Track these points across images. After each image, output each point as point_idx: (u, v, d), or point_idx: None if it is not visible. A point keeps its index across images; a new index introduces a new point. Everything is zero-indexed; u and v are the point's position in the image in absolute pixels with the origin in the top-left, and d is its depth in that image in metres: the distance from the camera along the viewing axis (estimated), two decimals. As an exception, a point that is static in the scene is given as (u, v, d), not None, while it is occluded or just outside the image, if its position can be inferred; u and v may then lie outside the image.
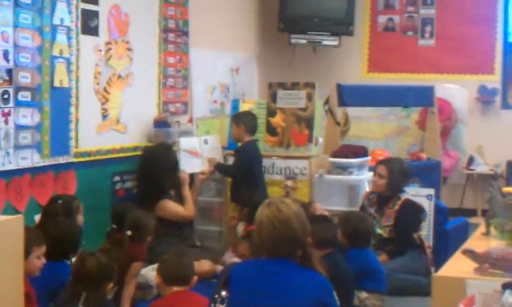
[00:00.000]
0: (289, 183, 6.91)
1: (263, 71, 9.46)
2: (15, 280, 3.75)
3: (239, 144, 6.86)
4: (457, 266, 3.77)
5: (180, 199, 6.51)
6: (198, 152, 6.92)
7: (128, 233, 5.23)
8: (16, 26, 5.19)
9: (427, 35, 9.68)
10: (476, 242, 4.40)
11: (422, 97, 8.41)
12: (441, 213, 6.75)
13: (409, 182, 6.63)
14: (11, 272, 3.71)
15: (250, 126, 6.76)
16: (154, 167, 6.36)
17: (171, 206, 6.39)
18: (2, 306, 3.62)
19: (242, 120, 6.77)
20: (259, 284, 3.41)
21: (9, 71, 5.14)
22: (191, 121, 7.52)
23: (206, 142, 7.05)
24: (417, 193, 6.59)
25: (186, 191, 6.52)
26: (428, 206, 6.54)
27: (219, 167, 6.91)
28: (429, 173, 7.86)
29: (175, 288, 4.22)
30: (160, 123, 6.90)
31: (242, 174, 6.64)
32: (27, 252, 4.03)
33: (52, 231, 4.75)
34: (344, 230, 5.39)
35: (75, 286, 4.14)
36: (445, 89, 9.12)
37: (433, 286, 3.67)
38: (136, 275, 5.36)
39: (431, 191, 6.65)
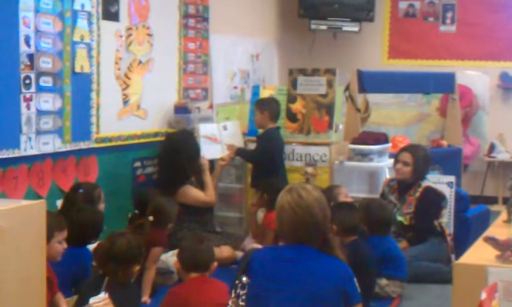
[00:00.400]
0: (309, 169, 6.90)
1: (283, 57, 9.44)
2: (37, 264, 3.77)
3: (260, 130, 6.85)
4: (478, 253, 3.76)
5: (201, 185, 6.52)
6: (217, 138, 6.93)
7: (150, 218, 5.25)
8: (37, 11, 5.20)
9: (448, 21, 9.62)
10: (497, 229, 4.39)
11: (443, 84, 8.36)
12: (462, 200, 6.71)
13: (430, 169, 6.59)
14: (34, 257, 3.74)
15: (274, 113, 6.75)
16: (177, 154, 6.37)
17: (192, 192, 6.40)
18: (25, 290, 3.65)
19: (266, 106, 6.76)
20: (280, 270, 3.41)
21: (31, 57, 5.15)
22: (211, 107, 7.52)
23: (225, 128, 7.06)
24: (438, 180, 6.56)
25: (207, 177, 6.53)
26: (449, 193, 6.51)
27: (240, 152, 6.92)
28: (450, 160, 7.82)
29: (194, 274, 4.23)
30: (180, 109, 6.91)
31: (264, 160, 6.65)
32: (49, 237, 4.05)
33: (74, 217, 4.78)
34: (365, 217, 5.38)
35: (105, 266, 4.16)
36: (466, 75, 9.07)
37: (455, 273, 3.66)
38: (157, 261, 5.38)
39: (452, 178, 6.62)
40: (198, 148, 6.56)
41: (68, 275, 4.52)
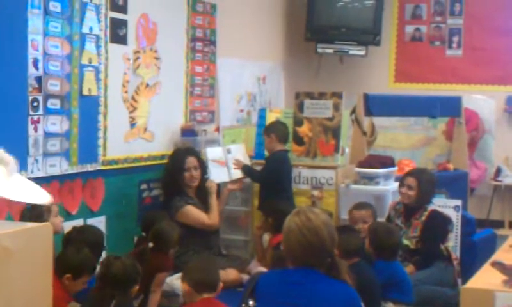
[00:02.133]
0: (315, 193, 6.90)
1: (289, 80, 9.46)
2: (43, 286, 3.76)
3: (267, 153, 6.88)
4: (485, 278, 3.75)
5: (206, 208, 6.51)
6: (224, 162, 6.93)
7: (150, 244, 5.24)
8: (46, 34, 5.23)
9: (454, 45, 9.65)
10: (504, 254, 4.38)
11: (449, 107, 8.37)
12: (468, 224, 6.70)
13: (436, 193, 6.59)
14: (40, 279, 3.73)
15: (281, 135, 6.77)
16: (164, 170, 6.47)
17: (194, 213, 6.40)
18: (31, 312, 3.64)
19: (272, 130, 6.78)
20: (286, 294, 3.41)
21: (39, 79, 5.18)
22: (217, 129, 7.54)
23: (229, 151, 7.06)
24: (444, 204, 6.55)
25: (212, 200, 6.53)
26: (455, 217, 6.50)
27: (246, 170, 6.92)
28: (456, 184, 7.81)
29: (205, 295, 4.22)
30: (187, 132, 6.93)
31: (270, 182, 6.65)
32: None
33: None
34: (372, 242, 5.36)
35: (102, 289, 4.17)
36: (472, 99, 9.08)
37: (462, 298, 3.66)
38: (161, 285, 5.36)
39: (458, 202, 6.60)
40: (179, 163, 6.48)
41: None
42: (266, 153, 6.92)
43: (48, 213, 5.00)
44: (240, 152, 7.19)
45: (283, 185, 6.70)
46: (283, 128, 6.83)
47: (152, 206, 6.50)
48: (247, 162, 7.14)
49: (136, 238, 5.93)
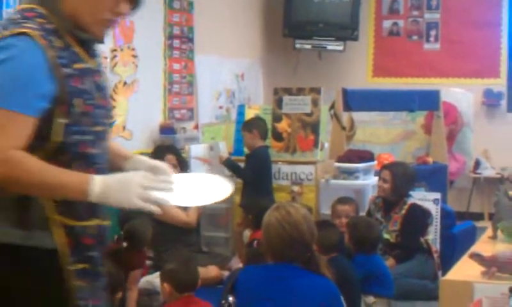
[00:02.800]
0: (295, 188, 6.91)
1: (268, 76, 9.47)
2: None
3: (246, 150, 6.87)
4: (464, 270, 3.77)
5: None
6: (208, 159, 6.92)
7: (124, 244, 5.23)
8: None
9: (432, 39, 9.69)
10: (483, 245, 4.40)
11: (428, 101, 8.40)
12: (448, 217, 6.73)
13: (416, 186, 6.61)
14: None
15: (262, 131, 6.76)
16: None
17: (171, 211, 6.38)
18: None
19: (255, 126, 6.76)
20: (266, 289, 3.41)
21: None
22: (196, 127, 7.53)
23: (211, 148, 7.05)
24: (424, 197, 6.58)
25: None
26: (435, 210, 6.53)
27: (229, 164, 6.88)
28: (436, 177, 7.85)
29: (186, 294, 4.22)
30: (166, 130, 6.92)
31: (252, 179, 6.64)
32: None
33: None
34: (351, 236, 5.37)
35: None
36: (450, 93, 9.11)
37: (441, 290, 3.68)
38: (136, 282, 5.34)
39: (438, 195, 6.63)
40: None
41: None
42: (246, 149, 6.90)
43: None
44: (222, 149, 7.18)
45: (264, 181, 6.70)
46: (263, 124, 6.83)
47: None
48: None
49: (115, 237, 5.90)
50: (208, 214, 7.21)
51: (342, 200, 6.16)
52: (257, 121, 6.86)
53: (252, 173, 6.69)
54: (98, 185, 2.29)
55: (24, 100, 2.24)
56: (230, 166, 6.92)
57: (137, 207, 2.37)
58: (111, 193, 2.32)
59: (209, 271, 6.08)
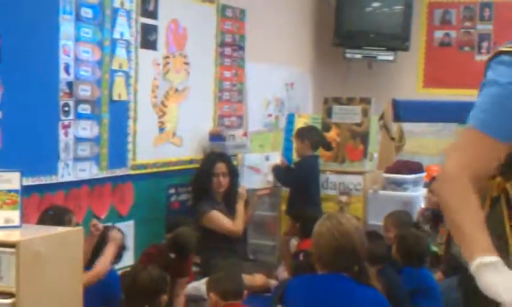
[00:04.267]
0: (343, 198, 6.90)
1: (317, 85, 9.46)
2: (74, 290, 3.81)
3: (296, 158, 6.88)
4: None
5: (233, 214, 6.53)
6: (259, 168, 6.94)
7: (172, 255, 5.26)
8: (77, 40, 5.28)
9: (483, 51, 9.59)
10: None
11: (478, 113, 8.30)
12: (497, 231, 6.65)
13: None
14: (71, 282, 3.78)
15: (314, 142, 6.77)
16: (196, 171, 6.57)
17: (218, 218, 6.41)
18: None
19: (307, 136, 6.76)
20: (315, 300, 3.42)
21: (70, 84, 5.23)
22: (245, 134, 7.55)
23: (267, 158, 7.07)
24: (473, 210, 6.51)
25: (240, 206, 6.54)
26: (484, 223, 6.45)
27: (276, 171, 6.93)
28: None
29: (231, 302, 4.25)
30: (215, 137, 6.95)
31: (298, 187, 6.64)
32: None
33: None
34: (399, 248, 5.34)
35: (130, 301, 4.19)
36: (501, 105, 9.01)
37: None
38: (183, 288, 5.39)
39: (487, 209, 6.56)
40: (208, 168, 6.52)
41: (96, 296, 4.52)
42: (297, 156, 6.90)
43: (69, 224, 5.02)
44: (276, 160, 7.20)
45: (310, 190, 6.70)
46: (316, 135, 6.82)
47: (179, 210, 6.52)
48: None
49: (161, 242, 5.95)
50: (255, 222, 7.23)
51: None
52: (310, 132, 6.84)
53: (297, 181, 6.68)
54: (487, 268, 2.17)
55: (497, 124, 2.20)
56: (276, 173, 6.94)
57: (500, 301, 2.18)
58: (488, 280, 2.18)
59: (255, 279, 6.10)
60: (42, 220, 4.65)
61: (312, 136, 6.77)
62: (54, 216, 4.68)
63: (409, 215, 6.10)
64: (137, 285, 4.18)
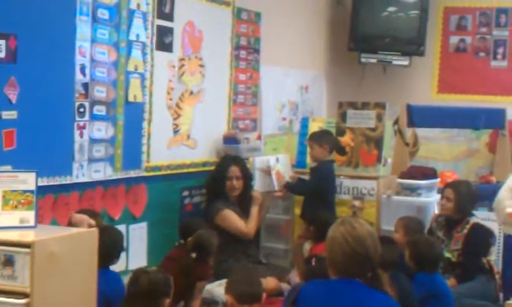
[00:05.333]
0: (356, 203, 6.89)
1: (332, 89, 9.45)
2: (88, 291, 3.83)
3: (311, 163, 6.86)
4: (530, 294, 3.72)
5: (246, 217, 6.53)
6: (271, 171, 6.94)
7: (193, 255, 5.27)
8: (93, 41, 5.30)
9: (499, 57, 9.55)
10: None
11: (493, 119, 8.30)
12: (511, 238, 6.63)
13: (479, 206, 6.54)
14: (85, 283, 3.79)
15: (332, 147, 6.76)
16: (210, 173, 6.59)
17: (232, 218, 6.42)
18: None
19: (326, 141, 6.72)
20: (328, 305, 3.42)
21: (86, 85, 5.25)
22: (259, 137, 7.55)
23: (277, 160, 7.07)
24: (487, 217, 6.51)
25: (254, 209, 6.54)
26: (498, 230, 6.45)
27: (289, 187, 6.92)
28: (499, 197, 7.73)
29: (247, 306, 4.25)
30: (229, 139, 6.96)
31: (314, 192, 6.63)
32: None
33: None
34: (412, 254, 5.33)
35: (131, 304, 4.19)
36: (516, 111, 8.99)
37: (505, 314, 3.63)
38: (201, 292, 5.41)
39: (501, 215, 6.55)
40: (222, 170, 6.54)
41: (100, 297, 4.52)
42: (310, 161, 6.88)
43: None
44: (286, 162, 7.19)
45: (327, 195, 6.69)
46: (333, 140, 6.81)
47: (193, 213, 6.53)
48: (289, 171, 7.13)
49: (176, 244, 5.95)
50: (268, 225, 7.24)
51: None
52: (328, 136, 6.82)
53: (315, 186, 6.67)
54: None
55: None
56: (290, 189, 6.93)
57: None
58: None
59: (268, 282, 6.08)
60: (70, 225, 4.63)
61: (330, 140, 6.76)
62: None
63: (421, 224, 6.08)
64: (137, 287, 4.18)
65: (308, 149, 6.87)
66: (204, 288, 5.50)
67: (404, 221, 5.99)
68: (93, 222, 4.52)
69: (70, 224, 4.51)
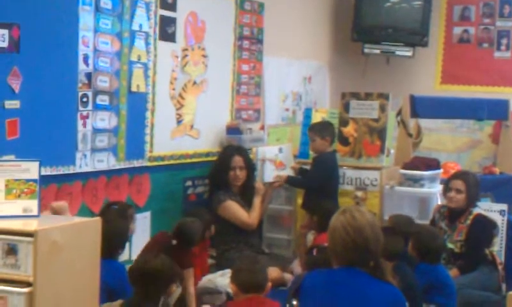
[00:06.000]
0: (359, 193, 6.89)
1: (335, 80, 9.45)
2: (91, 279, 3.83)
3: (312, 153, 6.86)
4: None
5: (249, 207, 6.54)
6: (274, 161, 6.94)
7: (174, 242, 5.28)
8: (96, 31, 5.30)
9: (503, 47, 9.53)
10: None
11: (496, 110, 8.28)
12: (513, 228, 6.65)
13: (481, 196, 6.54)
14: (88, 272, 3.80)
15: (333, 138, 6.75)
16: (213, 163, 6.62)
17: (234, 208, 6.43)
18: (79, 305, 3.70)
19: (327, 133, 6.70)
20: (331, 295, 3.42)
21: (89, 75, 5.25)
22: (262, 128, 7.56)
23: (281, 150, 7.07)
24: (490, 208, 6.50)
25: (257, 200, 6.55)
26: (501, 221, 6.45)
27: (291, 181, 6.93)
28: (502, 188, 7.72)
29: (251, 295, 4.25)
30: (232, 130, 6.96)
31: (317, 183, 6.62)
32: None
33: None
34: (415, 245, 5.34)
35: (141, 287, 4.20)
36: (520, 102, 8.98)
37: (508, 304, 3.64)
38: (190, 279, 5.38)
39: (504, 206, 6.55)
40: (225, 161, 6.55)
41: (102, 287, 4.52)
42: (314, 152, 6.87)
43: (131, 220, 5.11)
44: (289, 152, 7.19)
45: (330, 186, 6.68)
46: (334, 131, 6.80)
47: (196, 203, 6.54)
48: (291, 161, 7.13)
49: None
50: (270, 215, 7.24)
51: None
52: (329, 128, 6.79)
53: (318, 176, 6.67)
54: None
55: None
56: (292, 184, 6.93)
57: None
58: None
59: (270, 272, 6.03)
60: (104, 214, 4.73)
61: (332, 132, 6.74)
62: (119, 211, 4.88)
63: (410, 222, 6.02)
64: (148, 271, 4.19)
65: (309, 141, 6.86)
66: (192, 277, 5.44)
67: (394, 219, 5.96)
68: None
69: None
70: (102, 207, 5.21)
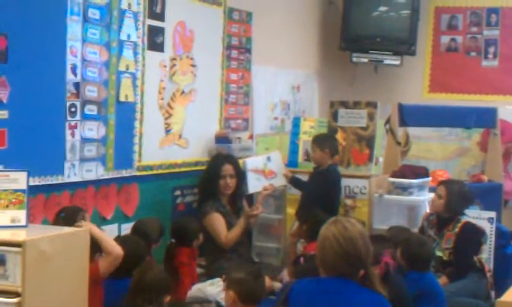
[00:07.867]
0: (348, 202, 6.90)
1: (324, 89, 9.47)
2: (80, 289, 3.83)
3: (313, 164, 6.83)
4: (520, 292, 3.74)
5: (238, 216, 6.52)
6: (263, 170, 6.94)
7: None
8: (84, 41, 5.30)
9: (490, 56, 9.58)
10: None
11: (485, 118, 8.31)
12: (502, 236, 6.67)
13: (469, 204, 6.55)
14: (77, 282, 3.80)
15: (334, 150, 6.71)
16: (203, 172, 6.59)
17: (216, 224, 6.36)
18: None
19: (328, 145, 6.67)
20: (321, 304, 3.42)
21: (77, 85, 5.25)
22: (251, 137, 7.56)
23: (269, 159, 7.07)
24: (478, 216, 6.52)
25: (241, 221, 6.44)
26: (489, 229, 6.46)
27: (294, 181, 6.93)
28: (490, 196, 7.75)
29: (249, 306, 4.25)
30: (221, 139, 6.96)
31: (318, 195, 6.55)
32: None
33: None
34: (404, 253, 5.35)
35: (135, 297, 4.20)
36: (508, 110, 9.01)
37: (496, 311, 3.64)
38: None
39: (492, 214, 6.57)
40: (216, 169, 6.52)
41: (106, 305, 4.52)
42: (315, 163, 6.80)
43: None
44: (278, 159, 7.17)
45: (332, 199, 6.62)
46: (336, 144, 6.77)
47: (185, 212, 6.54)
48: (282, 169, 7.11)
49: (168, 243, 5.96)
50: (260, 224, 7.23)
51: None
52: (330, 140, 6.73)
53: (320, 189, 6.60)
54: None
55: None
56: (295, 184, 6.92)
57: None
58: None
59: (260, 282, 6.08)
60: (56, 224, 4.62)
61: (333, 146, 6.69)
62: (66, 218, 4.67)
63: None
64: (144, 282, 4.20)
65: (310, 152, 6.85)
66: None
67: (392, 231, 5.98)
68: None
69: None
70: (53, 219, 4.91)
